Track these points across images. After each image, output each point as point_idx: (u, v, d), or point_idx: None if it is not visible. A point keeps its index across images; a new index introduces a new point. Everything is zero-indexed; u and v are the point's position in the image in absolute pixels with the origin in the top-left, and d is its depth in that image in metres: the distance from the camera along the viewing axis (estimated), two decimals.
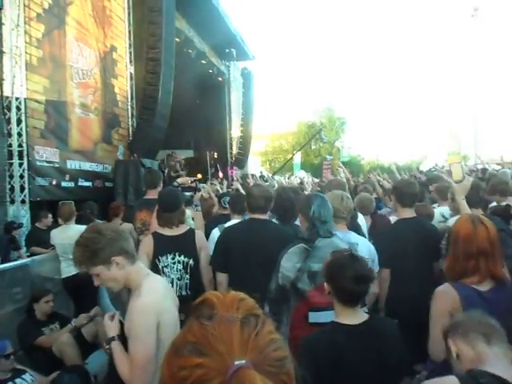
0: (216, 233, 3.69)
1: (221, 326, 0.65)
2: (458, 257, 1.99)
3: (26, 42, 6.78)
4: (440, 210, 4.31)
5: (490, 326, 1.51)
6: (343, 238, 2.95)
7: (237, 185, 7.28)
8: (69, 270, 5.02)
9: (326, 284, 1.93)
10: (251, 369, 0.61)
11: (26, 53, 6.77)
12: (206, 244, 3.47)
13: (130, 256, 1.94)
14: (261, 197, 3.13)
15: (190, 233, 3.40)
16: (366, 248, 3.04)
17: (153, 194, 4.59)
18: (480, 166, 16.62)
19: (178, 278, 3.20)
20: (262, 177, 13.67)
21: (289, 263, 2.36)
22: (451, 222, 3.85)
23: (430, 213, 4.09)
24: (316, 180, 13.67)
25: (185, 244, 3.28)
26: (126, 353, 1.87)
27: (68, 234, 5.08)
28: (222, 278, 3.08)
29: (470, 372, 1.37)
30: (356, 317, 1.89)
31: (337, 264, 1.92)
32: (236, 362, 0.61)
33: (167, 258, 3.18)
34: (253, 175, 13.15)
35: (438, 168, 10.79)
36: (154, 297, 1.89)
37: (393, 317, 2.77)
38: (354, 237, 3.08)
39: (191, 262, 3.26)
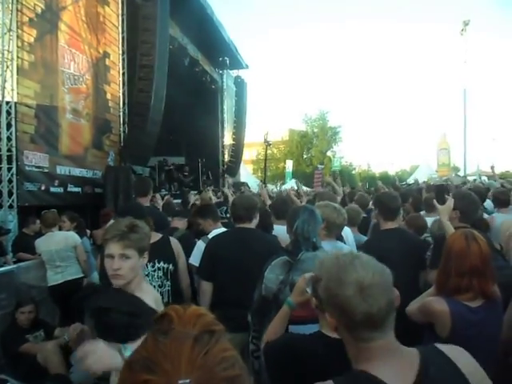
0: (201, 244, 3.67)
1: (172, 343, 0.65)
2: (450, 273, 1.98)
3: (17, 47, 6.76)
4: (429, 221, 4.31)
5: None
6: (333, 247, 2.95)
7: (227, 192, 7.24)
8: (55, 278, 4.97)
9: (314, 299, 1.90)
10: None
11: (17, 57, 6.75)
12: (181, 250, 3.44)
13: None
14: (241, 206, 3.14)
15: (166, 239, 3.39)
16: None
17: (143, 202, 4.56)
18: (471, 178, 16.81)
19: (159, 286, 3.16)
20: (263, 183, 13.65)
21: (272, 275, 2.36)
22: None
23: (423, 224, 4.07)
24: (306, 189, 13.69)
25: (162, 250, 3.25)
26: None
27: (53, 240, 5.04)
28: (208, 287, 3.06)
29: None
30: None
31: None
32: (180, 382, 0.61)
33: (147, 267, 3.12)
34: (244, 183, 13.11)
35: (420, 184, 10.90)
36: (153, 296, 1.99)
37: None
38: (343, 246, 3.09)
39: (171, 267, 3.24)
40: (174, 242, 3.44)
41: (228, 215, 4.92)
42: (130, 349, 1.67)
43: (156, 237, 3.30)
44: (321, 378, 1.50)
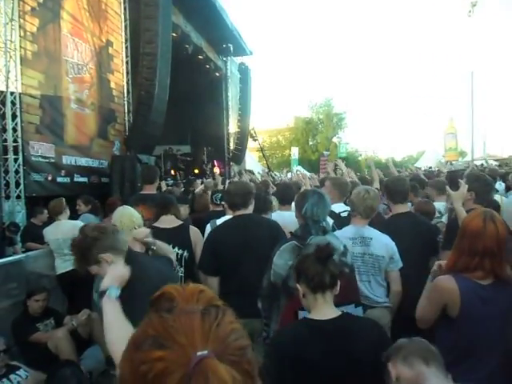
0: (209, 229, 3.66)
1: (181, 318, 0.65)
2: (463, 252, 1.95)
3: (20, 37, 6.71)
4: (436, 206, 4.28)
5: (428, 350, 1.54)
6: (357, 231, 2.88)
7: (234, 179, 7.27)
8: (64, 266, 5.01)
9: (297, 285, 1.88)
10: (214, 358, 0.61)
11: (20, 47, 6.71)
12: (201, 239, 3.45)
13: (119, 251, 1.94)
14: (236, 194, 3.13)
15: (185, 227, 3.43)
16: (380, 244, 2.91)
17: (149, 189, 4.58)
18: (478, 163, 16.69)
19: None
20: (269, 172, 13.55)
21: (281, 260, 2.34)
22: (445, 218, 3.87)
23: (430, 209, 4.04)
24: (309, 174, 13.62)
25: (179, 236, 3.31)
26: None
27: (61, 229, 5.07)
28: (213, 282, 2.95)
29: None
30: (326, 313, 1.83)
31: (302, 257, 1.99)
32: (198, 353, 0.61)
33: None
34: (249, 170, 13.09)
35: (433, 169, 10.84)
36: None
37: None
38: (368, 231, 2.96)
39: (185, 253, 3.29)
40: (194, 231, 3.47)
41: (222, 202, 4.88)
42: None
43: (175, 223, 3.41)
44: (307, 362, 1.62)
